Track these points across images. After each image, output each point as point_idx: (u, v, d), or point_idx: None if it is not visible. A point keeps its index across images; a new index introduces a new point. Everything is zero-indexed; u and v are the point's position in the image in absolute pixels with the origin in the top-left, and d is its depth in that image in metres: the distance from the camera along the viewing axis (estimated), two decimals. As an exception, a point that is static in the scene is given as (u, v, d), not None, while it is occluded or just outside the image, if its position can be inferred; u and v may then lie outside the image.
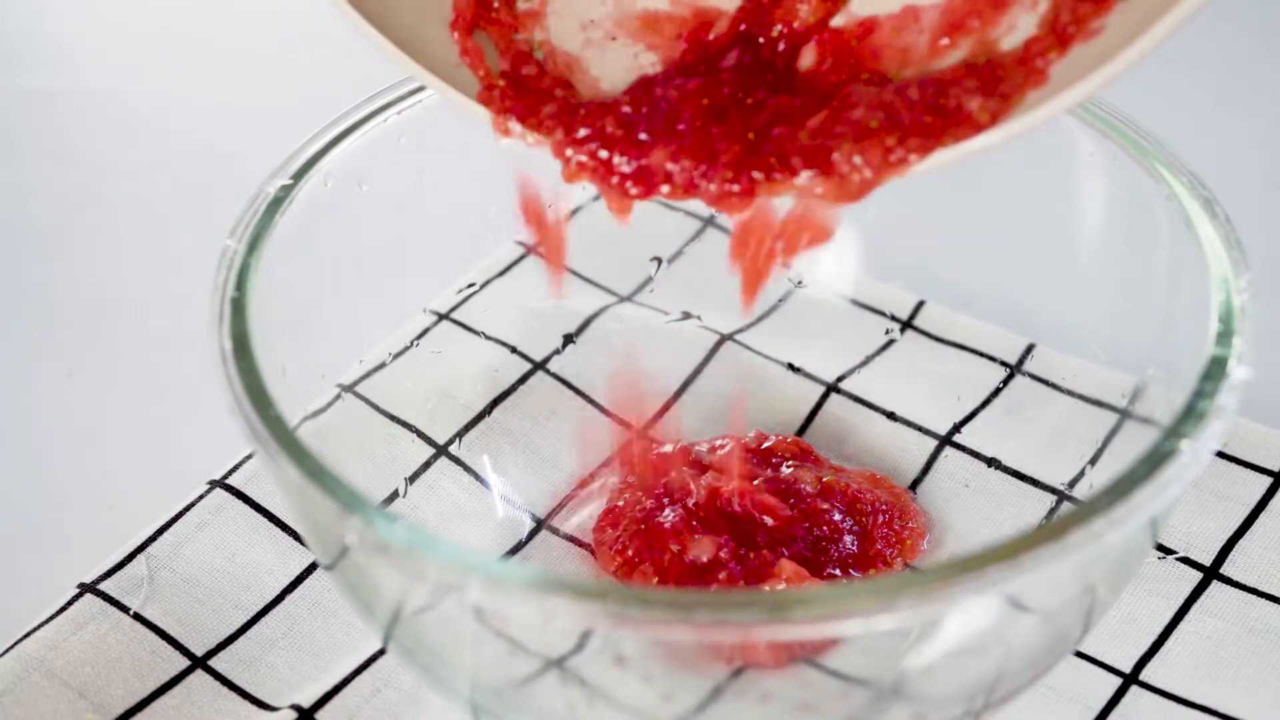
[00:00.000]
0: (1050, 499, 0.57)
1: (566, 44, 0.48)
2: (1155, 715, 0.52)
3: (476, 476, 0.59)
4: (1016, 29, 0.44)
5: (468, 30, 0.47)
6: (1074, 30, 0.43)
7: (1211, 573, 0.56)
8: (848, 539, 0.56)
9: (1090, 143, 0.53)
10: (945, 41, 0.45)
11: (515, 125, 0.46)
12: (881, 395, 0.62)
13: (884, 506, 0.57)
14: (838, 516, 0.56)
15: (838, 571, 0.55)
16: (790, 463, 0.59)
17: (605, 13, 0.48)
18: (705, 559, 0.54)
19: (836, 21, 0.46)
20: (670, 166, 0.44)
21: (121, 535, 0.57)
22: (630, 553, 0.55)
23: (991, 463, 0.59)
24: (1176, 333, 0.49)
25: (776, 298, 0.65)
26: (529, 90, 0.46)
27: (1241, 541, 0.57)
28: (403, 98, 0.55)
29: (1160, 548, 0.56)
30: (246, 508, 0.58)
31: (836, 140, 0.43)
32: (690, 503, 0.56)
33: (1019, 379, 0.61)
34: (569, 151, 0.45)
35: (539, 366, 0.63)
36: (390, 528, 0.41)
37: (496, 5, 0.48)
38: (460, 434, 0.60)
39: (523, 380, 0.63)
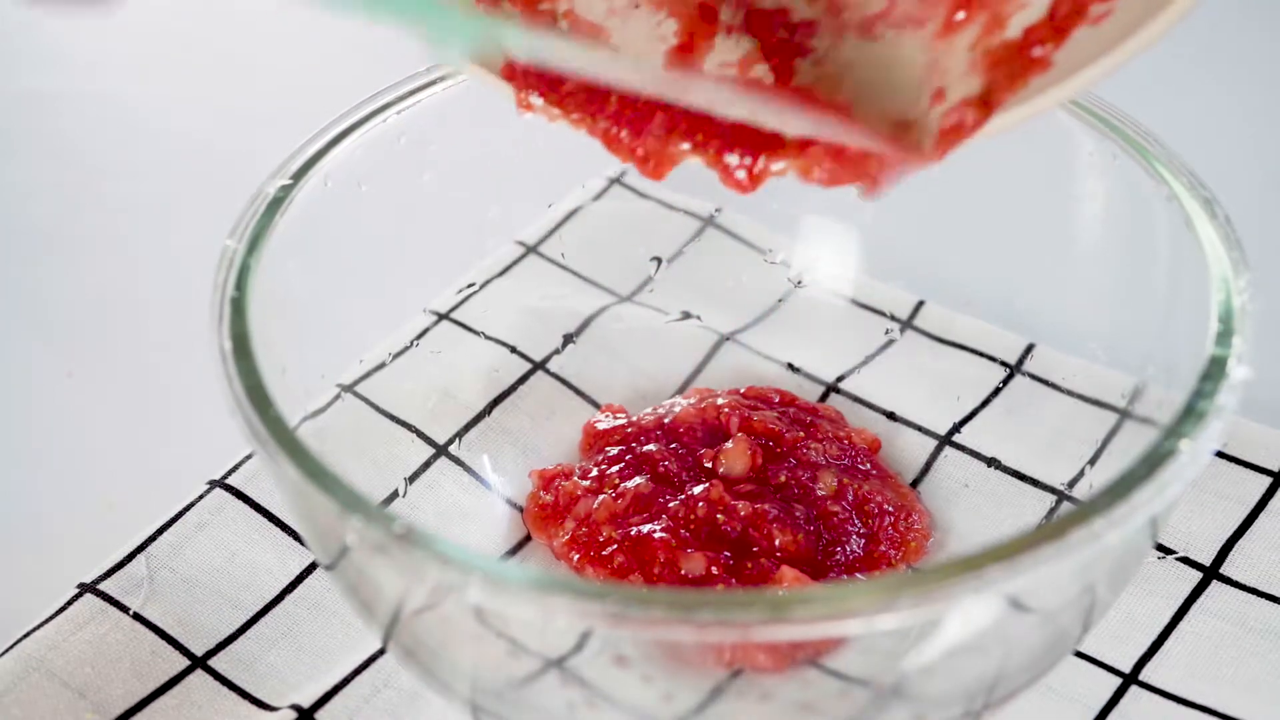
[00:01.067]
0: (1050, 499, 0.57)
1: (590, 13, 0.48)
2: (1155, 715, 0.52)
3: (476, 476, 0.59)
4: (1029, 6, 0.44)
5: (493, 4, 0.47)
6: (1072, 21, 0.43)
7: (1211, 573, 0.56)
8: (855, 540, 0.56)
9: (1090, 143, 0.53)
10: (961, 15, 0.44)
11: (537, 100, 0.46)
12: (881, 395, 0.62)
13: (891, 509, 0.57)
14: (844, 517, 0.56)
15: (843, 576, 0.55)
16: (817, 422, 0.59)
17: None
18: (697, 574, 0.54)
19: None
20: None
21: (121, 535, 0.57)
22: (618, 563, 0.55)
23: (991, 463, 0.59)
24: (1176, 333, 0.49)
25: (776, 298, 0.65)
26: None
27: (1241, 541, 0.57)
28: (403, 97, 0.55)
29: (1160, 548, 0.56)
30: (246, 508, 0.58)
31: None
32: (683, 515, 0.55)
33: (1019, 379, 0.61)
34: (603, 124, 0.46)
35: (539, 366, 0.63)
36: (390, 528, 0.41)
37: None
38: (460, 434, 0.60)
39: (523, 380, 0.63)
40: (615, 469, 0.58)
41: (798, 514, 0.55)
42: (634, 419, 0.60)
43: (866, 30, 0.46)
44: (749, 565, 0.54)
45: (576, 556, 0.55)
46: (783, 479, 0.57)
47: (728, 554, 0.54)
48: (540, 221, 0.67)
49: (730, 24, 0.48)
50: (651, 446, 0.58)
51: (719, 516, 0.55)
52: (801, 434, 0.59)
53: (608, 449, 0.59)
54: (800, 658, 0.46)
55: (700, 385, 0.63)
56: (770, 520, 0.55)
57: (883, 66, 0.46)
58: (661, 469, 0.57)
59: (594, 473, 0.58)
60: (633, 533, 0.55)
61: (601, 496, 0.56)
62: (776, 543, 0.54)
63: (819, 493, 0.56)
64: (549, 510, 0.57)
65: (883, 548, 0.56)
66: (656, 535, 0.54)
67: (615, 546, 0.55)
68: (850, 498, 0.57)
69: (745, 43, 0.48)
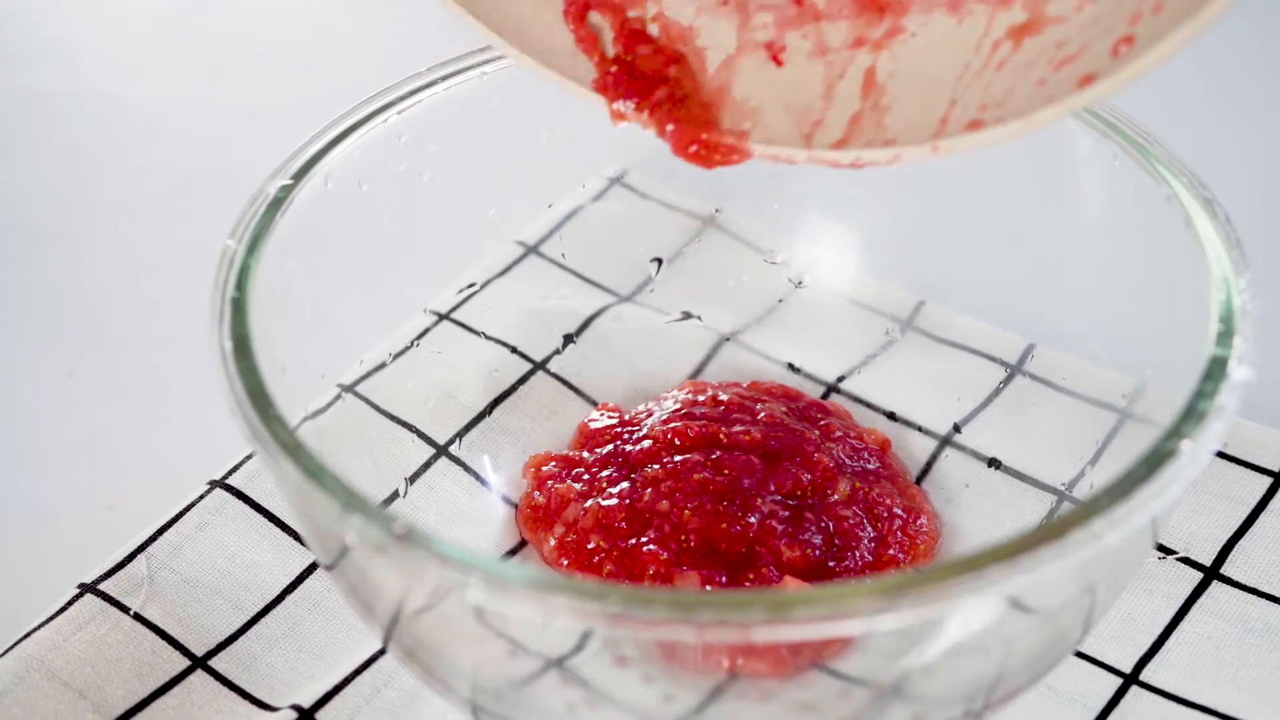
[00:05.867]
0: (1050, 499, 0.57)
1: (680, 15, 0.48)
2: (1155, 715, 0.52)
3: (476, 476, 0.59)
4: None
5: (581, 17, 0.48)
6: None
7: (1211, 573, 0.56)
8: (864, 545, 0.55)
9: (1090, 143, 0.53)
10: None
11: (629, 109, 0.48)
12: (881, 395, 0.62)
13: (900, 511, 0.56)
14: (855, 522, 0.56)
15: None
16: (828, 420, 0.59)
17: None
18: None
19: None
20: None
21: (121, 535, 0.57)
22: (607, 571, 0.54)
23: (992, 463, 0.59)
24: (1176, 333, 0.49)
25: (776, 298, 0.65)
26: (641, 76, 0.48)
27: (1241, 542, 0.57)
28: (403, 98, 0.55)
29: (1160, 548, 0.56)
30: (246, 508, 0.58)
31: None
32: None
33: (1019, 379, 0.61)
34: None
35: (539, 366, 0.63)
36: (390, 528, 0.41)
37: None
38: (460, 434, 0.60)
39: (523, 380, 0.63)
40: (606, 472, 0.57)
41: (807, 521, 0.55)
42: (627, 417, 0.60)
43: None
44: (750, 577, 0.53)
45: (566, 563, 0.55)
46: (790, 485, 0.56)
47: (723, 575, 0.53)
48: (540, 221, 0.67)
49: (823, 10, 0.48)
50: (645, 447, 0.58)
51: (720, 539, 0.54)
52: (815, 433, 0.58)
53: (599, 449, 0.59)
54: (800, 663, 0.46)
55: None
56: (779, 536, 0.54)
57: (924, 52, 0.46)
58: (651, 472, 0.57)
59: (586, 475, 0.57)
60: (623, 544, 0.54)
61: (590, 502, 0.56)
62: (784, 558, 0.54)
63: (832, 499, 0.56)
64: (540, 512, 0.57)
65: (891, 551, 0.56)
66: (647, 549, 0.54)
67: (603, 555, 0.54)
68: (862, 501, 0.56)
69: (842, 27, 0.48)
